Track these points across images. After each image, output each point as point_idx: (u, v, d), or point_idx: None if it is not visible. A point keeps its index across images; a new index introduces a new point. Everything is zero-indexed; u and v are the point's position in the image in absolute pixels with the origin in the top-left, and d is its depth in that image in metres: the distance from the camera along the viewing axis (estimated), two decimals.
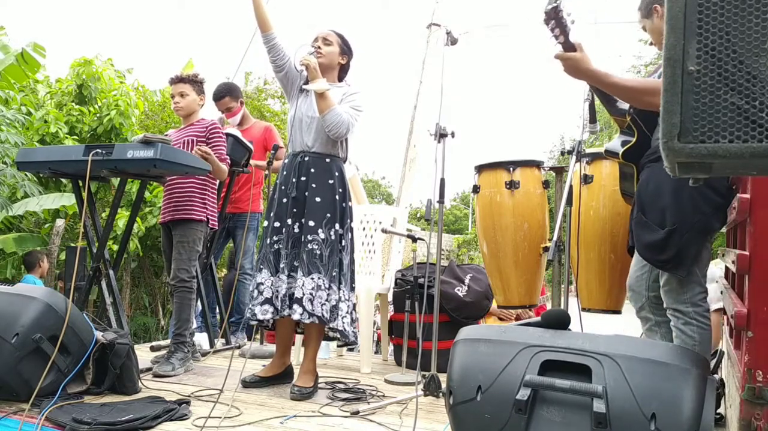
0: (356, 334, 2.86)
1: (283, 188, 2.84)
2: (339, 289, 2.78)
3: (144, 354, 3.52)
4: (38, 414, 2.21)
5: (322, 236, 2.74)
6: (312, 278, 2.69)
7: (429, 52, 8.45)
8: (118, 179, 3.23)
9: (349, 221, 2.89)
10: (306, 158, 2.83)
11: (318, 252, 2.72)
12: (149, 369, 3.10)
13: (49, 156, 3.12)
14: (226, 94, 4.12)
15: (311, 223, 2.74)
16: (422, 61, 8.55)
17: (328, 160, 2.85)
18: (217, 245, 4.09)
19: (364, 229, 3.85)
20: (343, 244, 2.82)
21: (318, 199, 2.78)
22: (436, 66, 8.05)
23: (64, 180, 6.19)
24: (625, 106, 2.33)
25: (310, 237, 2.73)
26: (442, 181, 2.85)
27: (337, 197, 2.82)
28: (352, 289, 2.88)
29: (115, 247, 5.52)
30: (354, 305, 2.88)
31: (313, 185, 2.79)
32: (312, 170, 2.81)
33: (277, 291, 2.75)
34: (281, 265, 2.76)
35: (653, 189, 2.14)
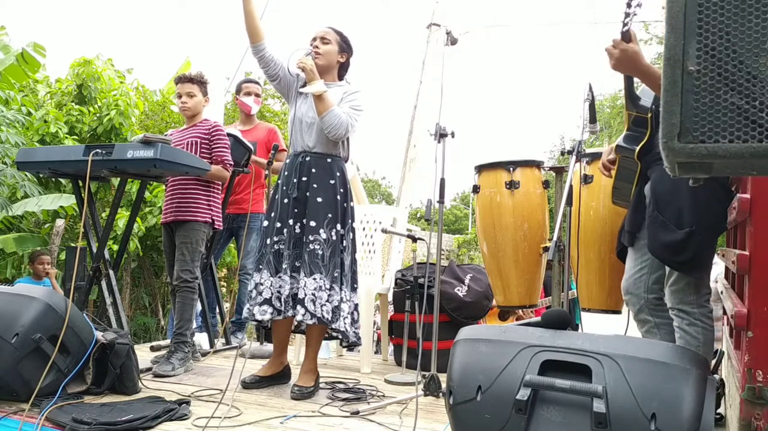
0: (357, 334, 2.86)
1: (284, 188, 2.83)
2: (341, 290, 2.77)
3: (144, 354, 3.52)
4: (38, 414, 2.21)
5: (323, 236, 2.73)
6: (314, 279, 2.68)
7: (429, 52, 8.44)
8: (118, 179, 3.23)
9: (350, 221, 2.88)
10: (307, 159, 2.82)
11: (320, 253, 2.71)
12: (149, 369, 3.10)
13: (49, 156, 3.12)
14: (257, 82, 4.38)
15: (312, 223, 2.73)
16: (422, 61, 8.55)
17: (329, 160, 2.84)
18: (218, 246, 4.10)
19: (364, 229, 3.86)
20: (344, 244, 2.82)
21: (319, 199, 2.77)
22: (436, 66, 8.05)
23: (63, 180, 6.19)
24: (647, 103, 2.29)
25: (311, 237, 2.72)
26: (442, 181, 2.85)
27: (338, 197, 2.81)
28: (354, 289, 2.87)
29: (115, 247, 5.51)
30: (356, 305, 2.87)
31: (315, 186, 2.78)
32: (313, 170, 2.80)
33: (279, 292, 2.74)
34: (283, 265, 2.75)
35: (669, 187, 2.09)
